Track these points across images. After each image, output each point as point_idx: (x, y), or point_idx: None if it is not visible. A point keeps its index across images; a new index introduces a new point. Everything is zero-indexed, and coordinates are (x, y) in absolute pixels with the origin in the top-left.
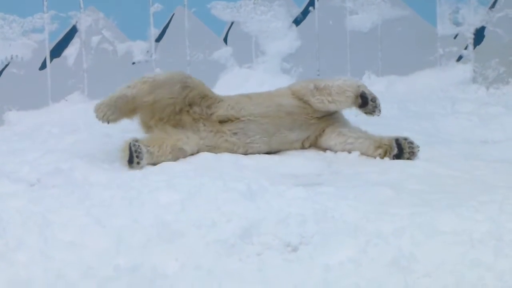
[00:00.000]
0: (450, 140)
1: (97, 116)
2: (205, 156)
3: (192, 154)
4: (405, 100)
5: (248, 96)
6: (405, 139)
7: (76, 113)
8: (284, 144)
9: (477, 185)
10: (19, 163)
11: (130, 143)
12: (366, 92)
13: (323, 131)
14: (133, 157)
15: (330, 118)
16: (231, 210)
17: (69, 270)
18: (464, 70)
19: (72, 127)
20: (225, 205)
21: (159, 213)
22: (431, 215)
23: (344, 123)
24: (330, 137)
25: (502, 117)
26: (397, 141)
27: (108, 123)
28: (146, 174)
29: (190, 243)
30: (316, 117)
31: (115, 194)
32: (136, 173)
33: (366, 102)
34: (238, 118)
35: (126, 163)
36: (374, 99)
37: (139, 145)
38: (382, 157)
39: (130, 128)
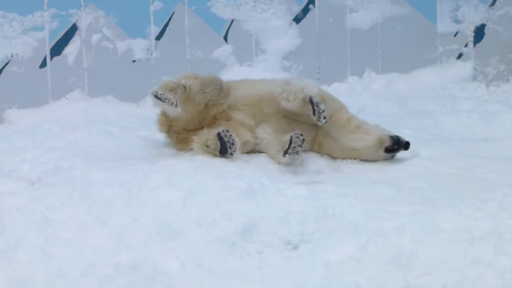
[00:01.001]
0: (450, 138)
1: (157, 94)
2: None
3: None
4: (405, 97)
5: (260, 99)
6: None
7: (76, 111)
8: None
9: (477, 183)
10: (20, 161)
11: (220, 133)
12: (313, 96)
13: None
14: (227, 147)
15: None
16: (231, 208)
17: (70, 268)
18: (464, 68)
19: (72, 125)
20: (225, 203)
21: (160, 211)
22: (431, 213)
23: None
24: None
25: (502, 115)
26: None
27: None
28: (147, 172)
29: (190, 241)
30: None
31: (115, 192)
32: (136, 171)
33: (313, 108)
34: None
35: (217, 153)
36: (317, 104)
37: (231, 135)
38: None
39: (131, 127)
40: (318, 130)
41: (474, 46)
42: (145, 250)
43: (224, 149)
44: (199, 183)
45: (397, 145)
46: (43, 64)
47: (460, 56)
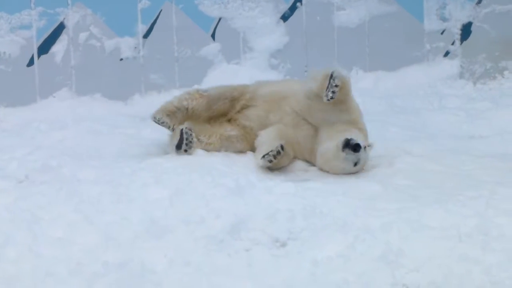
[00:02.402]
0: (437, 135)
1: (154, 119)
2: (194, 152)
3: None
4: (393, 95)
5: (283, 97)
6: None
7: (64, 109)
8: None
9: (465, 180)
10: (7, 159)
11: (182, 129)
12: (335, 72)
13: None
14: (183, 144)
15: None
16: (219, 206)
17: (58, 267)
18: (451, 65)
19: (60, 124)
20: (213, 201)
21: (148, 209)
22: (418, 210)
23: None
24: None
25: (489, 112)
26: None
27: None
28: (135, 170)
29: (178, 239)
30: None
31: (103, 191)
32: (124, 169)
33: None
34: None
35: (174, 148)
36: (335, 78)
37: (191, 134)
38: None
39: (118, 125)
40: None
41: (461, 44)
42: (133, 248)
43: (179, 145)
44: (186, 181)
45: (347, 145)
46: (31, 62)
47: (447, 54)
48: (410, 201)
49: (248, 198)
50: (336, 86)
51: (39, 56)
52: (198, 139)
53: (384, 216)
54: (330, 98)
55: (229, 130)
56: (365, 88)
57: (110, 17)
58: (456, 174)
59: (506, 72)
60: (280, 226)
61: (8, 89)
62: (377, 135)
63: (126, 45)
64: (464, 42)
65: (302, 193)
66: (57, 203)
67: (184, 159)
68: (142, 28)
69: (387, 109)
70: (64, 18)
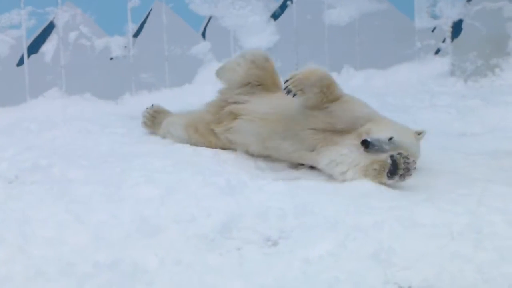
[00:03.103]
0: (428, 133)
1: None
2: (184, 151)
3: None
4: (383, 93)
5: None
6: (400, 153)
7: (54, 109)
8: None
9: (456, 178)
10: None
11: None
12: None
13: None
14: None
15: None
16: (210, 205)
17: (49, 267)
18: (442, 63)
19: (50, 123)
20: (204, 200)
21: (139, 209)
22: (410, 208)
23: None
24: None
25: (480, 110)
26: (392, 157)
27: None
28: (125, 170)
29: (170, 238)
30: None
31: (94, 190)
32: (115, 168)
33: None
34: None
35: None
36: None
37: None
38: (377, 175)
39: (109, 124)
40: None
41: (451, 41)
42: (124, 247)
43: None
44: (177, 180)
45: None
46: (20, 62)
47: (438, 51)
48: (401, 199)
49: (239, 197)
50: (286, 81)
51: (28, 56)
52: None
53: (376, 214)
54: (287, 92)
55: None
56: (356, 86)
57: (100, 16)
58: (448, 171)
59: (497, 70)
60: (271, 225)
61: None
62: None
63: (116, 44)
64: (455, 40)
65: (293, 192)
66: (48, 203)
67: (174, 158)
68: (132, 27)
69: (378, 107)
70: (53, 18)
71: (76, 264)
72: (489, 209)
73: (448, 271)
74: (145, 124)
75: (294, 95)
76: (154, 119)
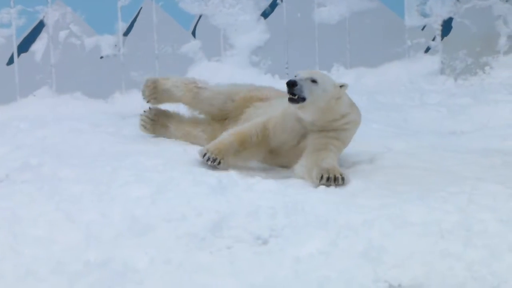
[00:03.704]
0: (418, 131)
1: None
2: (175, 150)
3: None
4: (374, 92)
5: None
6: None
7: (44, 108)
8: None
9: (446, 176)
10: None
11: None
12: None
13: None
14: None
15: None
16: (201, 204)
17: (39, 266)
18: (432, 61)
19: (40, 122)
20: (195, 199)
21: (129, 208)
22: (400, 207)
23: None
24: None
25: (470, 108)
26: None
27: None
28: (116, 169)
29: (160, 237)
30: None
31: (84, 189)
32: (105, 167)
33: None
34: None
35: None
36: None
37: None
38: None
39: (99, 123)
40: None
41: (441, 39)
42: (115, 246)
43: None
44: (168, 179)
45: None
46: (10, 61)
47: (428, 49)
48: (391, 198)
49: (229, 196)
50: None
51: (19, 55)
52: (165, 124)
53: (366, 212)
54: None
55: (199, 130)
56: None
57: (90, 15)
58: (438, 170)
59: (487, 68)
60: (261, 224)
61: None
62: (358, 132)
63: (106, 43)
64: (445, 38)
65: (284, 190)
66: (38, 202)
67: (165, 157)
68: (122, 26)
69: (368, 105)
70: (43, 16)
71: (66, 263)
72: (479, 207)
73: (438, 269)
74: (144, 127)
75: (219, 163)
76: (155, 122)
